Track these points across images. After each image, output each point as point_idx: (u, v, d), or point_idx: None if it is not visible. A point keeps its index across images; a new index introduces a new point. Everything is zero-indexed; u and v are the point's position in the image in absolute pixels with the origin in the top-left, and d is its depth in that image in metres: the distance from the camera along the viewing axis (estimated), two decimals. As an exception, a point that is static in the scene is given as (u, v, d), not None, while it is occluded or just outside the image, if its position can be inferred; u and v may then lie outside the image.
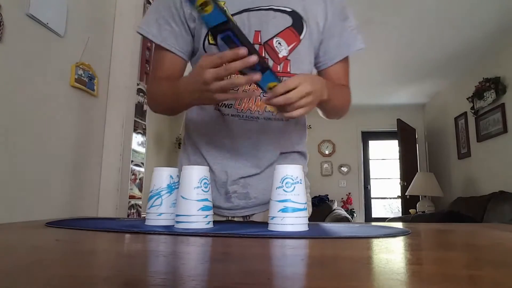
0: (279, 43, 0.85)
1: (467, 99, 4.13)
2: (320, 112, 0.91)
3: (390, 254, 0.40)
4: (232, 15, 0.82)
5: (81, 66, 1.72)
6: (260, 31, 0.85)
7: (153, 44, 0.91)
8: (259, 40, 0.85)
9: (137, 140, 2.10)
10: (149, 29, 0.87)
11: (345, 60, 0.93)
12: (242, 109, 0.84)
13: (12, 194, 1.37)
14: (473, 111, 4.06)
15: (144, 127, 2.16)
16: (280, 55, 0.85)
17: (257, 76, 0.64)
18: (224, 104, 0.85)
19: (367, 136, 6.17)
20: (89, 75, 1.79)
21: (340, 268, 0.33)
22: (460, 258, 0.39)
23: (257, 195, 0.86)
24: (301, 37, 0.86)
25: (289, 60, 0.87)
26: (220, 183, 0.86)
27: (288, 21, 0.85)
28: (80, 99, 1.74)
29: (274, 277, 0.29)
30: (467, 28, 3.27)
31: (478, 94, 3.88)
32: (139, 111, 2.12)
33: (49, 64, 1.55)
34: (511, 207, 2.97)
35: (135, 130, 2.07)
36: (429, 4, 2.89)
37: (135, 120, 2.07)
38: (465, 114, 4.32)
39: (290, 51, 0.86)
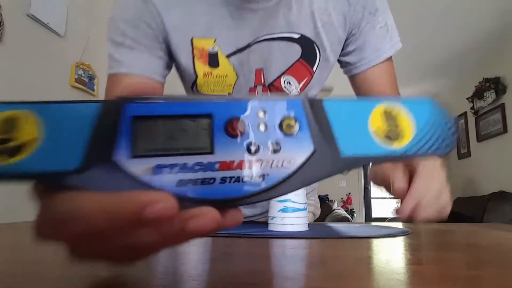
0: (288, 82, 0.70)
1: (467, 99, 4.13)
2: None
3: (390, 254, 0.40)
4: (229, 55, 0.66)
5: (81, 66, 1.72)
6: (262, 69, 0.69)
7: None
8: (262, 81, 0.70)
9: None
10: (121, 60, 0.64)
11: (387, 65, 0.75)
12: None
13: (12, 194, 1.37)
14: (473, 111, 4.07)
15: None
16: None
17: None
18: None
19: (367, 136, 6.16)
20: (89, 75, 1.79)
21: (340, 268, 0.33)
22: (460, 258, 0.39)
23: (264, 203, 0.85)
24: (314, 68, 0.71)
25: None
26: None
27: (296, 51, 0.69)
28: (80, 99, 1.73)
29: (274, 277, 0.29)
30: (467, 28, 3.27)
31: (478, 94, 3.88)
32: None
33: (49, 64, 1.55)
34: (511, 207, 2.97)
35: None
36: (429, 4, 2.89)
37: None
38: (465, 114, 4.32)
39: (302, 89, 0.72)
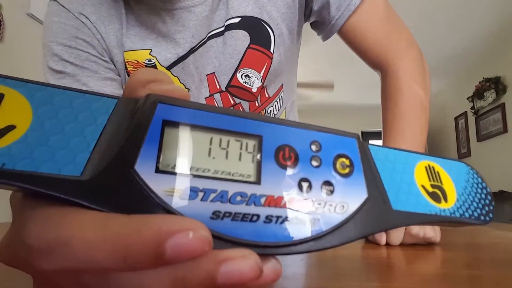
0: (246, 75, 0.60)
1: (467, 99, 4.13)
2: None
3: (390, 254, 0.40)
4: (169, 67, 0.57)
5: (81, 66, 1.73)
6: (213, 72, 0.59)
7: None
8: (218, 86, 0.60)
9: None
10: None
11: (368, 4, 0.60)
12: None
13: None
14: (473, 111, 4.07)
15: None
16: (254, 89, 0.61)
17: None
18: None
19: (368, 136, 6.16)
20: (89, 75, 1.79)
21: (339, 268, 0.32)
22: (460, 258, 0.39)
23: None
24: (272, 50, 0.59)
25: (265, 86, 0.63)
26: None
27: (244, 36, 0.57)
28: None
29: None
30: (467, 28, 3.27)
31: (478, 94, 3.88)
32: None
33: (49, 63, 1.56)
34: (511, 207, 2.97)
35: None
36: (429, 4, 2.89)
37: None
38: (465, 114, 4.32)
39: (265, 77, 0.61)
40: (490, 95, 3.69)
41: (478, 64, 4.00)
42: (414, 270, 0.32)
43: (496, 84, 3.62)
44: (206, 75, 0.58)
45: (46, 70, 0.55)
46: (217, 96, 0.60)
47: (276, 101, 0.69)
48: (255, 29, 0.57)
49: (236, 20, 0.56)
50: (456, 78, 4.54)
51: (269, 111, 0.68)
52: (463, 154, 4.38)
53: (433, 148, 5.42)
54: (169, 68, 0.57)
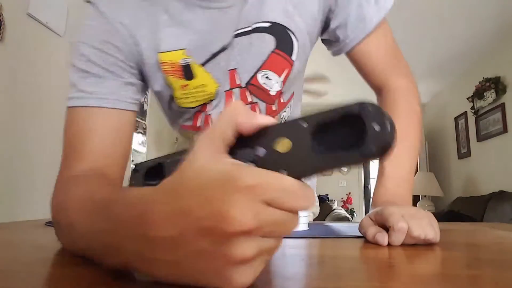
0: (266, 77, 0.63)
1: (467, 99, 4.13)
2: None
3: (390, 254, 0.40)
4: (204, 63, 0.61)
5: (81, 66, 1.73)
6: (236, 68, 0.62)
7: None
8: (238, 82, 0.63)
9: (137, 140, 2.10)
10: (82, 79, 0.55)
11: (378, 32, 0.66)
12: None
13: (12, 194, 1.37)
14: (473, 111, 4.06)
15: (144, 127, 2.16)
16: (272, 92, 0.65)
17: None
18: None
19: (367, 136, 6.16)
20: (89, 75, 1.79)
21: (340, 268, 0.33)
22: (460, 258, 0.39)
23: None
24: (294, 57, 0.63)
25: (283, 92, 0.67)
26: None
27: (270, 41, 0.61)
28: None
29: (274, 277, 0.29)
30: (467, 28, 3.27)
31: (478, 94, 3.88)
32: (140, 111, 2.12)
33: (49, 63, 1.55)
34: (511, 207, 2.97)
35: (135, 130, 2.08)
36: (429, 3, 2.89)
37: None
38: (465, 114, 4.32)
39: (284, 82, 0.65)
40: (490, 95, 3.69)
41: (478, 64, 3.99)
42: (414, 270, 0.32)
43: (496, 84, 3.62)
44: (229, 70, 0.62)
45: (71, 67, 0.56)
46: (236, 91, 0.64)
47: (288, 107, 0.73)
48: (282, 36, 0.61)
49: (266, 24, 0.60)
50: (456, 78, 4.54)
51: (282, 116, 0.71)
52: (463, 154, 4.38)
53: (433, 148, 5.42)
54: (203, 64, 0.60)
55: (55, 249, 0.40)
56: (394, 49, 0.69)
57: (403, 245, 0.46)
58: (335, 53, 0.70)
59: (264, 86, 0.64)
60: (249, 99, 0.65)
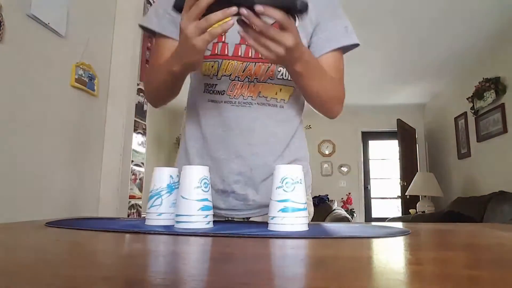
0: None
1: (467, 99, 4.13)
2: (302, 95, 0.87)
3: (390, 254, 0.40)
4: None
5: (81, 66, 1.72)
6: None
7: (154, 41, 0.92)
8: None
9: (137, 140, 2.10)
10: (149, 21, 0.89)
11: (337, 54, 0.88)
12: (235, 95, 0.83)
13: (12, 194, 1.37)
14: (473, 111, 4.07)
15: (144, 127, 2.16)
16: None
17: (233, 8, 0.60)
18: (218, 91, 0.83)
19: (367, 136, 6.17)
20: (90, 75, 1.79)
21: (340, 268, 0.33)
22: (460, 258, 0.39)
23: (255, 198, 0.85)
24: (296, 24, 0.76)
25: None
26: (218, 182, 0.86)
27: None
28: (80, 99, 1.74)
29: (274, 277, 0.29)
30: (467, 28, 3.27)
31: (478, 94, 3.88)
32: (139, 111, 2.12)
33: (49, 64, 1.55)
34: (511, 207, 2.97)
35: (135, 130, 2.08)
36: (429, 4, 2.89)
37: (135, 120, 2.07)
38: (465, 114, 4.32)
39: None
40: (490, 95, 3.69)
41: (478, 64, 4.00)
42: (414, 270, 0.32)
43: (496, 84, 3.62)
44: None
45: (155, 5, 0.91)
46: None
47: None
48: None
49: None
50: (456, 78, 4.54)
51: (279, 70, 0.85)
52: (463, 154, 4.38)
53: (433, 148, 5.43)
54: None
55: (55, 250, 0.40)
56: (341, 74, 0.90)
57: (403, 245, 0.46)
58: None
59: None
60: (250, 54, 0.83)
